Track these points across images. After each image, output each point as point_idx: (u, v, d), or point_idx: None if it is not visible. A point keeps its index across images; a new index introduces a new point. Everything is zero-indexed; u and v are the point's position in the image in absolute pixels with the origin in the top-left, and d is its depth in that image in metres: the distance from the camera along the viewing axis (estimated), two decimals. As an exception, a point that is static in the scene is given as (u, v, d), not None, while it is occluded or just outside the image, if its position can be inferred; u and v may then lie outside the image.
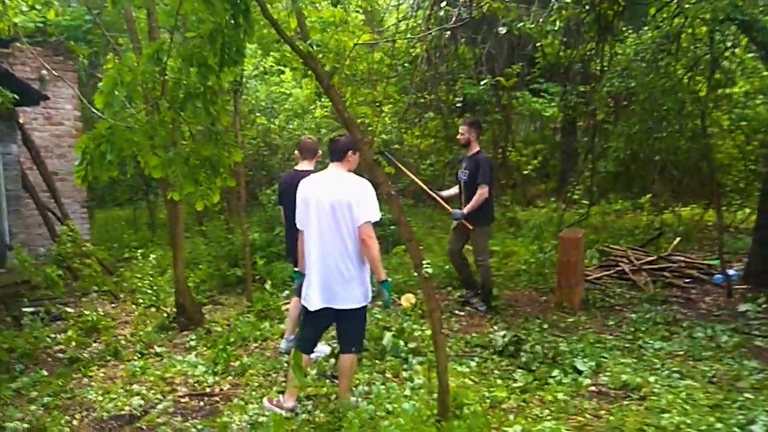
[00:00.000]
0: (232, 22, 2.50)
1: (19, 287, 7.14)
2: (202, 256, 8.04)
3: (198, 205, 2.83)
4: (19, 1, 8.94)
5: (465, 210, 5.79)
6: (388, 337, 4.76)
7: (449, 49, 8.62)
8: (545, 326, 5.44)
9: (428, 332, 5.04)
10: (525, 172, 12.99)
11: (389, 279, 3.85)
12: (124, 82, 2.26)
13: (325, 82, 2.82)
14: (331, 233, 3.55)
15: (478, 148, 5.99)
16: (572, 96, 11.07)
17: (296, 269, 3.95)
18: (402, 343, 4.74)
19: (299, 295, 3.95)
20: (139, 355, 5.16)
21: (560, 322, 5.64)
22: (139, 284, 7.00)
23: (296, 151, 5.12)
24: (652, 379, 4.14)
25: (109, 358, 5.13)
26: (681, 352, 4.71)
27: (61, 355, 5.29)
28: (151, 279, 6.84)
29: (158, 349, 5.36)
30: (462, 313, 6.02)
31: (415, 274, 3.28)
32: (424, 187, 6.13)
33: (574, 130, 14.19)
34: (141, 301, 6.71)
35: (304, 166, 4.92)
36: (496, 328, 5.49)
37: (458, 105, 11.37)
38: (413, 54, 8.71)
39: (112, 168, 2.37)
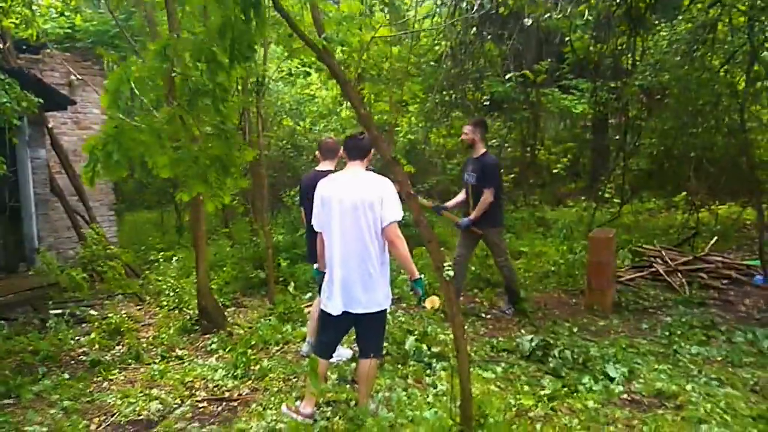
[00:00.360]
0: (242, 16, 2.41)
1: (47, 290, 7.22)
2: (226, 258, 8.02)
3: (209, 206, 2.74)
4: (47, 8, 9.10)
5: (471, 216, 5.56)
6: (410, 340, 4.63)
7: (475, 45, 8.41)
8: (575, 330, 5.24)
9: (452, 336, 4.90)
10: (554, 170, 12.71)
11: (422, 276, 3.73)
12: (131, 80, 2.19)
13: (340, 77, 2.71)
14: (353, 234, 3.43)
15: (484, 150, 5.72)
16: (603, 92, 10.79)
17: (316, 266, 3.89)
18: (425, 347, 4.61)
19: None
20: (160, 359, 5.12)
21: (591, 326, 5.43)
22: (163, 287, 6.99)
23: (317, 152, 5.02)
24: (688, 386, 3.92)
25: (130, 361, 5.10)
26: (719, 358, 4.47)
27: (83, 358, 5.28)
28: (173, 281, 6.81)
29: (180, 353, 5.32)
30: (488, 317, 5.85)
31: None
32: (426, 204, 6.00)
33: (605, 128, 13.85)
34: (165, 303, 6.70)
35: (325, 166, 4.82)
36: (523, 331, 5.32)
37: (486, 104, 11.17)
38: (438, 51, 8.55)
39: (120, 168, 2.30)
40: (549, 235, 9.40)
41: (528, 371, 4.36)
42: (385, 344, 4.76)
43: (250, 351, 5.06)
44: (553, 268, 7.38)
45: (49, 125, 8.58)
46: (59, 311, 6.77)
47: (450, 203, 6.01)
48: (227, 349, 5.15)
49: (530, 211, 11.16)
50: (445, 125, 12.02)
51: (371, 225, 3.43)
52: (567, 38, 9.14)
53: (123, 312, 6.62)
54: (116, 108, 2.24)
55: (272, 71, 8.21)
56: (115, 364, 5.04)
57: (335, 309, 3.47)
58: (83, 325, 6.29)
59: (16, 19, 7.93)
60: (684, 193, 10.62)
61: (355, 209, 3.41)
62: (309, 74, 13.33)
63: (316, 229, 3.58)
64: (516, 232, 10.06)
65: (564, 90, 12.15)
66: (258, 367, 4.68)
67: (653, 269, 6.77)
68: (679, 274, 6.57)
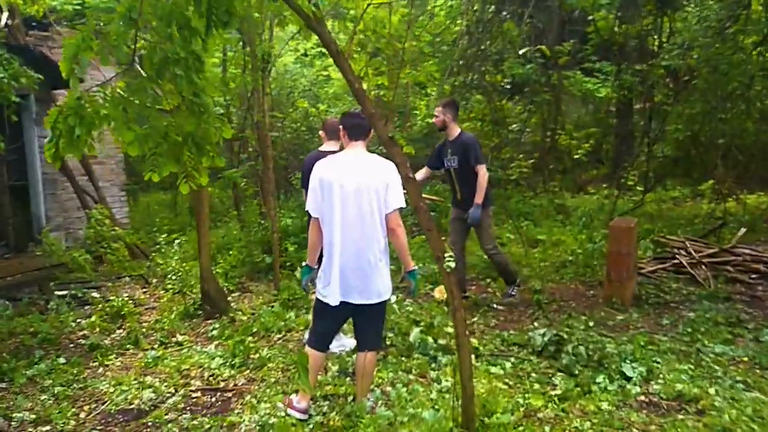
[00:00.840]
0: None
1: (53, 270, 7.14)
2: (234, 242, 7.86)
3: (183, 188, 2.53)
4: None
5: (477, 200, 5.26)
6: (415, 332, 4.40)
7: (493, 24, 8.05)
8: (591, 324, 4.96)
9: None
10: (576, 156, 12.31)
11: (417, 268, 3.52)
12: (93, 47, 1.98)
13: (332, 48, 2.46)
14: (354, 221, 3.20)
15: (459, 130, 5.50)
16: (627, 75, 10.38)
17: (305, 263, 3.57)
18: (431, 339, 4.38)
19: (308, 291, 3.65)
20: (159, 344, 4.98)
21: (608, 320, 5.15)
22: (168, 270, 6.85)
23: (321, 131, 4.79)
24: (711, 389, 3.64)
25: (129, 346, 4.96)
26: (746, 359, 4.17)
27: (83, 342, 5.16)
28: (177, 265, 6.66)
29: (180, 338, 5.18)
30: (501, 308, 5.59)
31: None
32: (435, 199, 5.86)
33: (630, 113, 13.40)
34: (170, 286, 6.57)
35: (329, 146, 4.58)
36: (536, 324, 5.06)
37: (507, 86, 10.80)
38: (455, 30, 8.20)
39: (81, 144, 2.09)
40: (568, 223, 9.08)
41: (539, 368, 4.11)
42: (390, 335, 4.57)
43: (250, 339, 4.90)
44: (570, 258, 7.08)
45: (58, 103, 8.45)
46: (64, 292, 6.69)
47: (418, 175, 5.65)
48: (227, 337, 4.98)
49: (549, 198, 10.82)
50: (464, 109, 11.69)
51: (374, 211, 3.21)
52: (590, 17, 8.71)
53: (127, 295, 6.51)
54: (75, 78, 2.03)
55: (281, 49, 7.93)
56: (114, 349, 4.92)
57: (333, 299, 3.25)
58: (86, 307, 6.19)
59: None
60: (711, 182, 10.20)
61: (358, 194, 3.18)
62: (324, 55, 13.09)
63: (312, 214, 3.33)
64: (534, 219, 9.76)
65: (587, 73, 11.74)
66: (257, 356, 4.50)
67: (677, 261, 6.44)
68: (704, 267, 6.24)
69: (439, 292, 5.59)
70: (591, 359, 4.10)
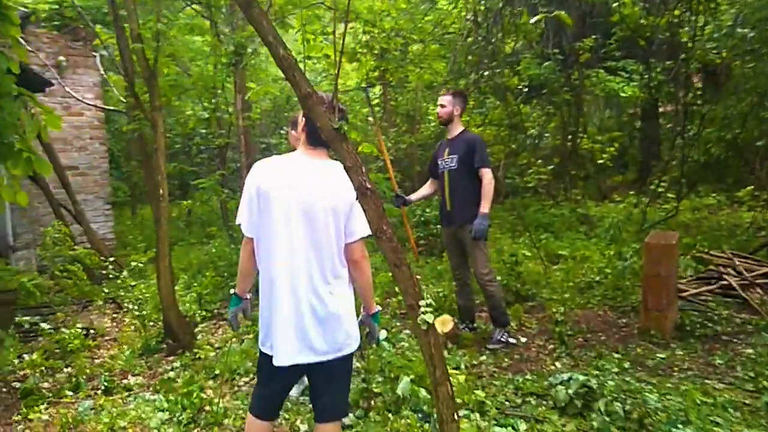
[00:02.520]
0: None
1: (10, 295, 6.38)
2: (216, 260, 7.05)
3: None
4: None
5: (483, 210, 4.36)
6: (405, 382, 3.51)
7: (504, 14, 7.15)
8: (626, 365, 4.04)
9: (462, 375, 3.78)
10: (599, 161, 11.32)
11: (379, 309, 2.68)
12: None
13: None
14: (306, 249, 2.34)
15: (462, 127, 4.67)
16: (656, 73, 9.43)
17: (233, 291, 2.71)
18: (423, 391, 3.49)
19: (235, 328, 2.79)
20: (103, 390, 4.14)
21: (647, 359, 4.21)
22: (139, 294, 6.05)
23: (290, 131, 3.88)
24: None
25: (67, 392, 4.14)
26: (833, 417, 3.22)
27: (19, 385, 4.35)
28: (148, 289, 5.86)
29: (132, 380, 4.36)
30: (513, 341, 4.68)
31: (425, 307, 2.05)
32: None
33: (657, 114, 12.43)
34: (138, 313, 5.76)
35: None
36: (558, 365, 4.15)
37: (524, 88, 9.90)
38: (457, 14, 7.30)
39: None
40: (593, 236, 8.14)
41: (563, 431, 3.20)
42: (374, 385, 3.69)
43: (210, 383, 4.06)
44: (597, 278, 6.14)
45: (31, 110, 7.76)
46: (29, 318, 5.93)
47: (414, 196, 4.94)
48: (184, 381, 4.14)
49: (571, 207, 9.89)
50: (478, 114, 10.81)
51: (332, 237, 2.35)
52: (615, 2, 7.77)
53: (87, 324, 5.70)
54: None
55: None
56: (48, 396, 4.09)
57: (286, 358, 2.37)
58: (40, 338, 5.40)
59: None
60: (750, 188, 9.19)
61: (309, 214, 2.32)
62: (329, 56, 12.37)
63: (245, 232, 2.46)
64: (555, 231, 8.84)
65: (610, 71, 10.81)
66: (212, 409, 3.65)
67: (724, 282, 5.46)
68: (759, 290, 5.26)
69: (442, 323, 4.66)
70: (629, 418, 3.18)
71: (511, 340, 4.64)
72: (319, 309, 2.35)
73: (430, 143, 11.12)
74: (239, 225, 2.44)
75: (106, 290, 6.16)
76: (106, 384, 4.20)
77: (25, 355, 4.93)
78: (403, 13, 6.99)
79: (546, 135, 12.22)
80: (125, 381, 4.35)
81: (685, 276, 5.83)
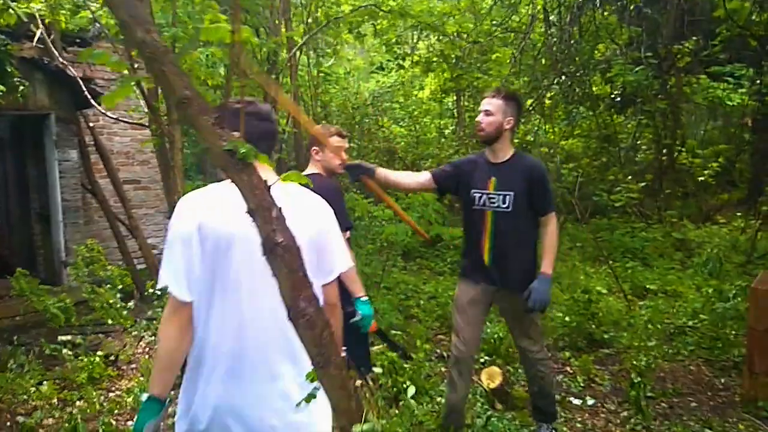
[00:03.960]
0: None
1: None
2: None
3: None
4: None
5: (546, 270, 3.09)
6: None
7: (585, 13, 6.28)
8: (723, 449, 3.14)
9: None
10: (700, 178, 10.02)
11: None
12: None
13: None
14: (270, 304, 1.71)
15: (513, 149, 3.25)
16: (769, 78, 8.22)
17: (148, 394, 1.80)
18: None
19: None
20: (102, 434, 3.75)
21: (752, 440, 3.29)
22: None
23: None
24: None
25: (65, 435, 3.78)
26: None
27: (23, 420, 4.05)
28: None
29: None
30: (578, 401, 3.85)
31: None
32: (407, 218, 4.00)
33: (770, 124, 10.97)
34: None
35: (311, 168, 3.24)
36: (633, 441, 3.31)
37: (617, 97, 8.95)
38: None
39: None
40: (690, 265, 7.03)
41: None
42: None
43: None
44: (691, 322, 5.13)
45: (91, 124, 7.76)
46: (68, 337, 5.76)
47: (386, 172, 3.41)
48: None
49: (666, 230, 8.73)
50: (567, 124, 9.91)
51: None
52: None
53: (128, 346, 5.44)
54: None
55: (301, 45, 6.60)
56: (44, 437, 3.76)
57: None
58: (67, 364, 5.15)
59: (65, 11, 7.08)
60: None
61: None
62: (403, 67, 11.93)
63: (176, 294, 1.76)
64: (644, 257, 7.76)
65: (714, 77, 9.57)
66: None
67: None
68: None
69: (489, 377, 3.91)
70: None
71: None
72: (286, 388, 1.75)
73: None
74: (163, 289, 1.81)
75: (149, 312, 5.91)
76: (103, 428, 3.80)
77: (45, 383, 4.68)
78: (465, 13, 6.31)
79: (641, 148, 11.08)
80: (127, 425, 3.94)
81: (806, 325, 4.72)
